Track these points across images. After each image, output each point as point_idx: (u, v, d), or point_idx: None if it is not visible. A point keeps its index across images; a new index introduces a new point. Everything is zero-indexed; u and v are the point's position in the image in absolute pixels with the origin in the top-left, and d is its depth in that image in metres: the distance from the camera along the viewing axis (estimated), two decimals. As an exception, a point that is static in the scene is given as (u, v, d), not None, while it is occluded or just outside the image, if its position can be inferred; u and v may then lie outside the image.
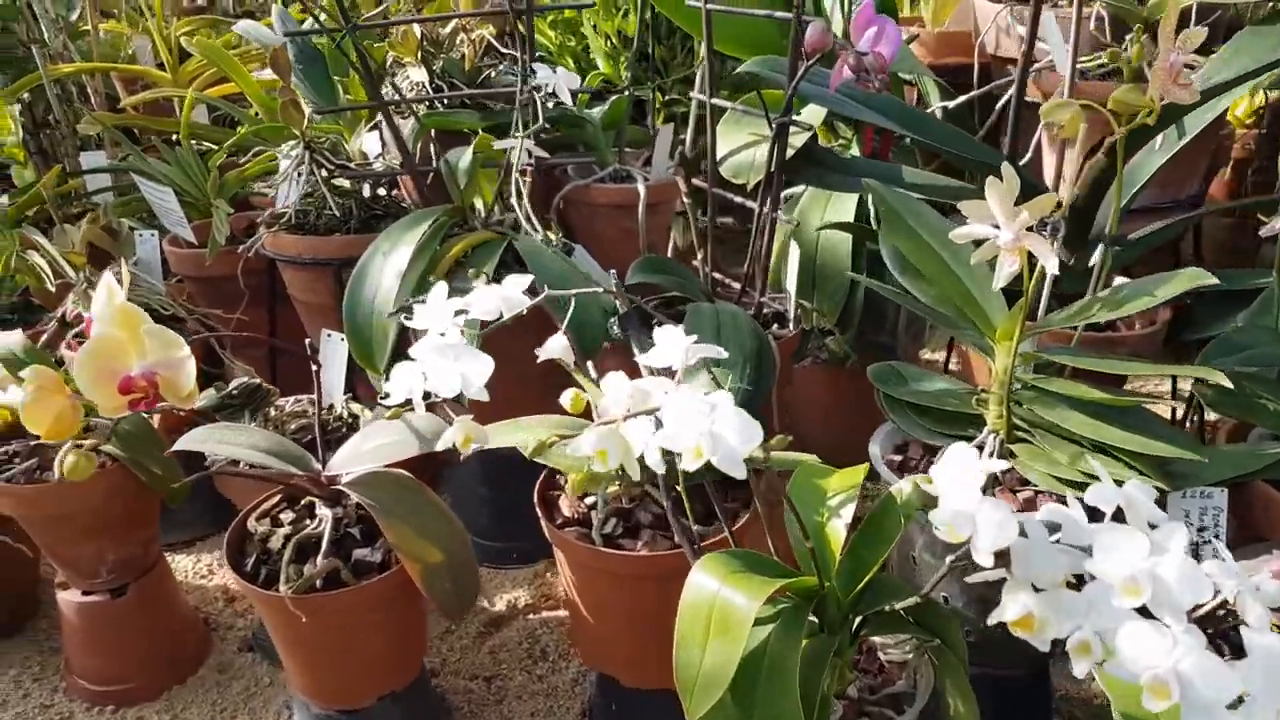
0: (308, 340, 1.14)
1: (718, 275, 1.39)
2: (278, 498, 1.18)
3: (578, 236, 1.65)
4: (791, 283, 1.26)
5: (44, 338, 1.57)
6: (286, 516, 1.15)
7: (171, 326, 1.60)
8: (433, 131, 1.61)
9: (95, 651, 1.35)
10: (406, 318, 0.94)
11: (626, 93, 1.73)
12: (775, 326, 1.32)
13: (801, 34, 1.05)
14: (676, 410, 0.60)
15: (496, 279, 1.12)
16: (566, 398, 0.68)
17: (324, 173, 1.50)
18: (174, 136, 2.33)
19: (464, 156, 1.42)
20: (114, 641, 1.34)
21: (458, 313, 0.90)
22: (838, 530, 0.82)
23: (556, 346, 0.90)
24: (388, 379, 1.37)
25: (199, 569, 1.60)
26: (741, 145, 1.33)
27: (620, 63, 1.92)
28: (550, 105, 1.60)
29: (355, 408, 1.41)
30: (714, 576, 0.77)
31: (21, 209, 1.73)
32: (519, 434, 1.04)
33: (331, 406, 1.41)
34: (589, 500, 1.12)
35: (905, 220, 1.01)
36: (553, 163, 1.64)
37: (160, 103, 2.32)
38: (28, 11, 2.36)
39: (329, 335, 1.40)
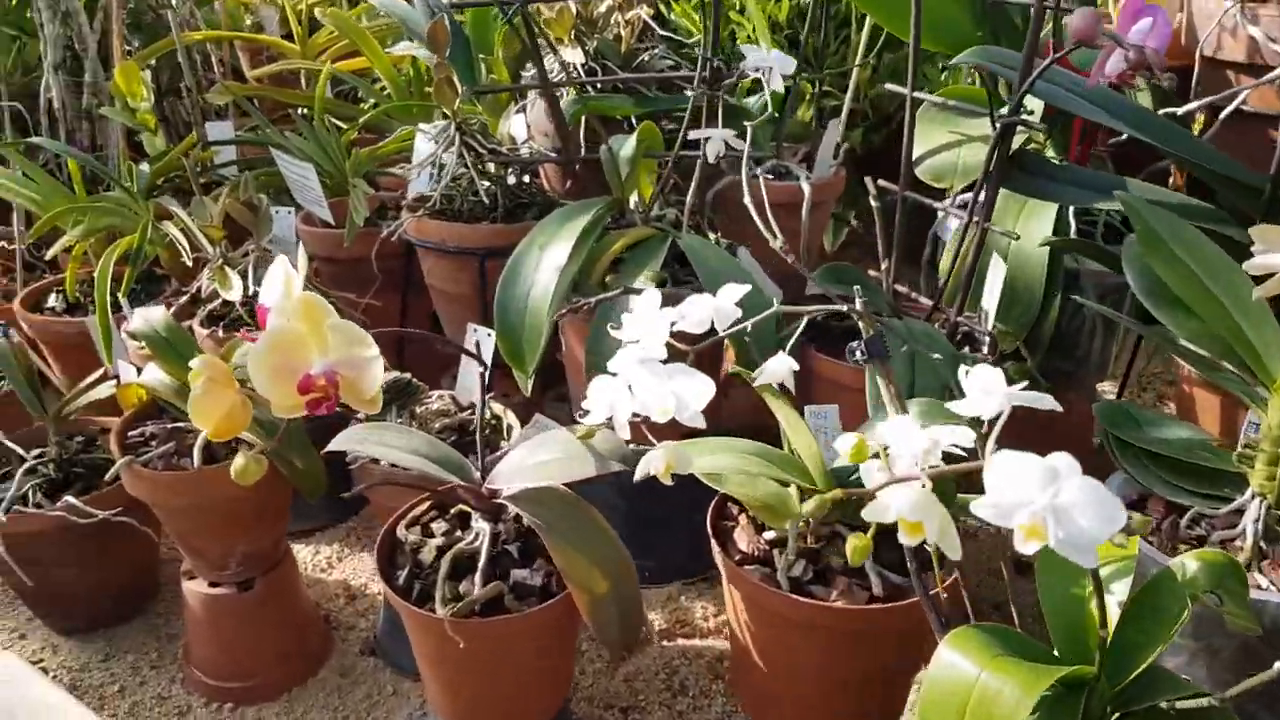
0: (475, 342, 1.05)
1: (900, 288, 1.28)
2: (427, 504, 1.10)
3: (728, 235, 1.55)
4: (992, 301, 1.14)
5: (171, 310, 1.52)
6: (439, 527, 1.07)
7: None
8: (583, 118, 1.52)
9: (217, 645, 1.29)
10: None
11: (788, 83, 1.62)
12: (966, 349, 1.20)
13: (1047, 22, 0.93)
14: (1006, 474, 0.49)
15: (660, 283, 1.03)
16: (846, 443, 0.57)
17: (471, 156, 1.41)
18: (301, 110, 2.29)
19: (626, 145, 1.32)
20: (237, 636, 1.28)
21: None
22: (1108, 609, 0.71)
23: (780, 369, 0.80)
24: (534, 381, 1.29)
25: (318, 562, 1.53)
26: (940, 145, 1.21)
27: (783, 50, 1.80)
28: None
29: (497, 408, 1.33)
30: (970, 659, 0.67)
31: (153, 178, 1.68)
32: (714, 458, 0.95)
33: (474, 406, 1.33)
34: (769, 535, 1.02)
35: (1166, 243, 0.88)
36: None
37: (283, 75, 2.27)
38: (158, -24, 2.33)
39: (475, 330, 1.32)
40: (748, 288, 0.83)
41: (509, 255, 1.42)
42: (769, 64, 1.08)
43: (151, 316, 1.19)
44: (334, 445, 0.98)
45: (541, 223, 1.28)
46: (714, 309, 0.82)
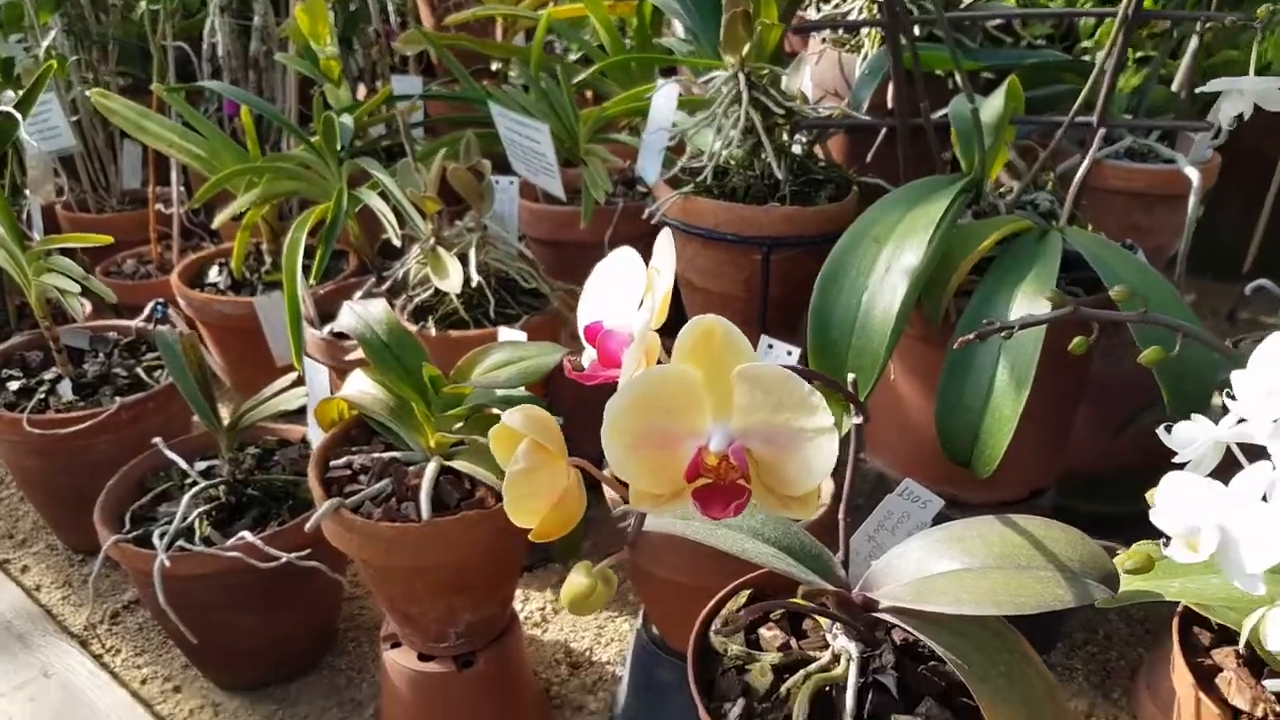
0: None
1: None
2: (745, 597, 0.79)
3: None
4: None
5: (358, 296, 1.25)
6: (771, 635, 0.76)
7: (530, 304, 1.25)
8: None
9: (422, 733, 1.01)
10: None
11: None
12: None
13: None
14: None
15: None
16: None
17: (760, 117, 1.09)
18: (493, 65, 2.01)
19: (990, 104, 0.98)
20: (449, 724, 1.00)
21: None
22: None
23: None
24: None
25: (530, 614, 1.24)
26: None
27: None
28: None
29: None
30: None
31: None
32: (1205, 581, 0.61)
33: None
34: (1274, 684, 0.68)
35: None
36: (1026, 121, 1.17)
37: (471, 24, 1.99)
38: (332, -89, 2.07)
39: (770, 347, 1.00)
40: None
41: (796, 247, 1.11)
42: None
43: (370, 313, 0.91)
44: (654, 525, 0.67)
45: (876, 208, 0.96)
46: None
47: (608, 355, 0.54)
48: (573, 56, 1.88)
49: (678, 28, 1.66)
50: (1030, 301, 0.88)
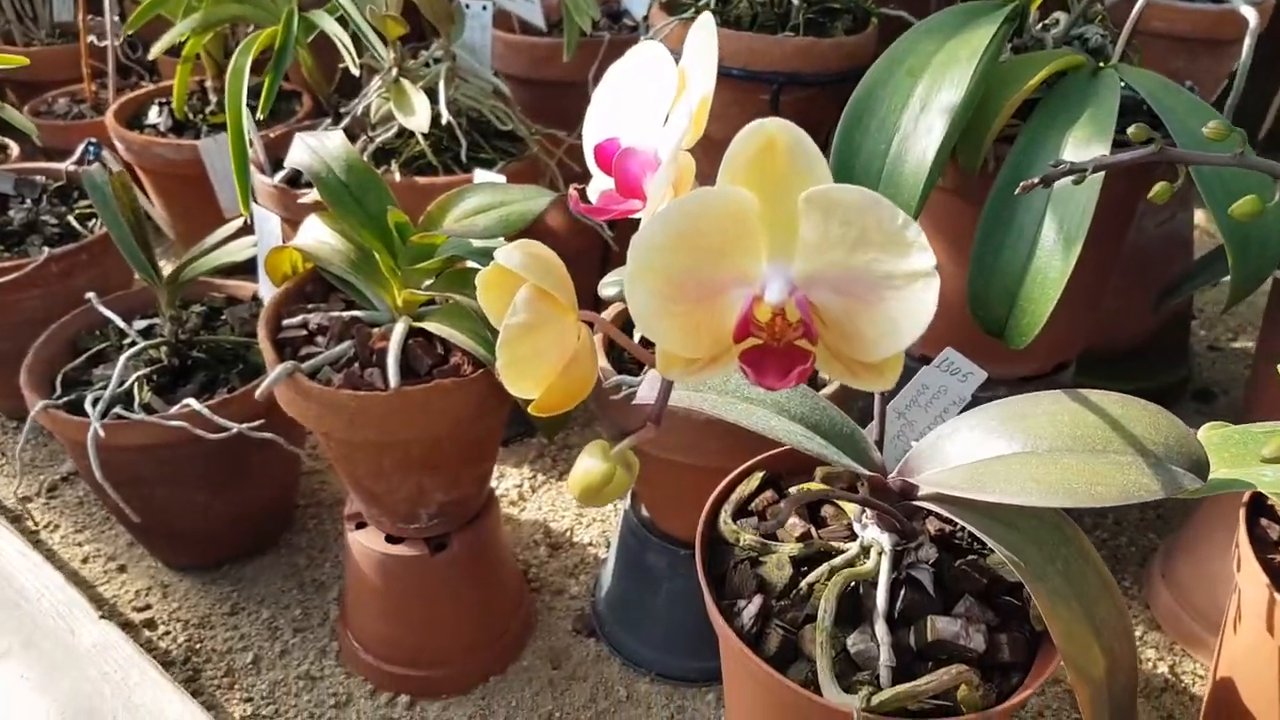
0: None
1: None
2: (759, 479, 0.70)
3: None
4: None
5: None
6: (789, 524, 0.67)
7: (506, 149, 1.11)
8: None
9: (394, 618, 0.93)
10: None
11: None
12: None
13: None
14: None
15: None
16: None
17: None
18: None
19: (1046, -80, 0.84)
20: (422, 609, 0.92)
21: None
22: None
23: None
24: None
25: (506, 492, 1.16)
26: None
27: None
28: None
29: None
30: None
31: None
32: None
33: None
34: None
35: None
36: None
37: None
38: None
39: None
40: None
41: (810, 86, 0.98)
42: None
43: (326, 147, 0.78)
44: (679, 402, 0.57)
45: (909, 36, 0.83)
46: None
47: (627, 181, 0.42)
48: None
49: None
50: (1083, 148, 0.77)
